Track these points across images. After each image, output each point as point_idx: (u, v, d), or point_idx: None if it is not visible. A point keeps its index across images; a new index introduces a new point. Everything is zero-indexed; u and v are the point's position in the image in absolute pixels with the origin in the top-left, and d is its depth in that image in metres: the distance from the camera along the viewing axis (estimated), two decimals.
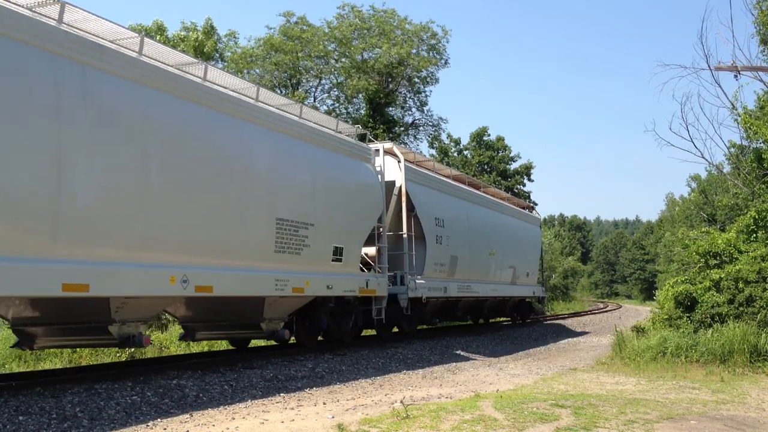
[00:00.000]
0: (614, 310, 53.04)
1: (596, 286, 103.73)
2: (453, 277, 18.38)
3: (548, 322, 30.64)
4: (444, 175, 20.01)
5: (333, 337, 14.39)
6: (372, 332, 17.97)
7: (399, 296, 15.39)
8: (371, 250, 14.91)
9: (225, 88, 10.89)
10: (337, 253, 12.95)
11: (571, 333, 25.16)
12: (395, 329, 17.98)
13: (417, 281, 16.04)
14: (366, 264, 14.84)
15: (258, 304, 11.39)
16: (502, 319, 27.31)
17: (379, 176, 15.04)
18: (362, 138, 16.18)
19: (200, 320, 11.72)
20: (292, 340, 13.74)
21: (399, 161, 16.22)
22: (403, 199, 16.01)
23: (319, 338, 14.59)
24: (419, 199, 16.59)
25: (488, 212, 22.04)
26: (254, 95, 11.46)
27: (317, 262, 12.36)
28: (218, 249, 10.10)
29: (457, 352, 16.82)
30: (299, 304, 12.47)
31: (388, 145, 16.60)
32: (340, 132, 14.22)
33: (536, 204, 46.24)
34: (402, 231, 15.93)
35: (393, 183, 16.01)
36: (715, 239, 16.22)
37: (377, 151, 15.36)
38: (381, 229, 14.88)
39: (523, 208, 27.45)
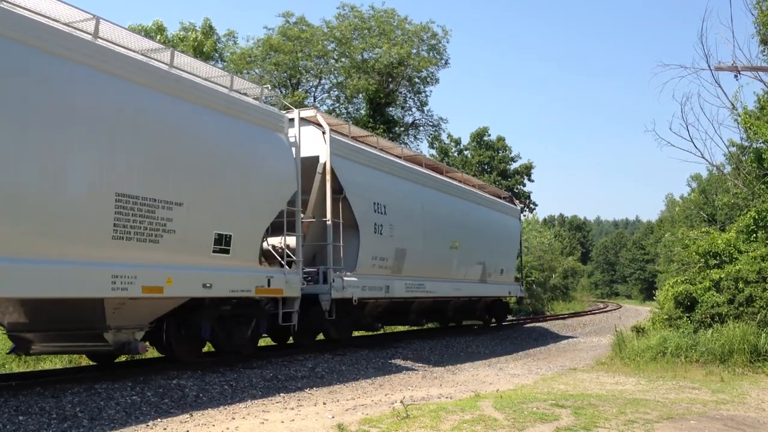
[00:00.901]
0: (614, 310, 53.05)
1: (596, 286, 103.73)
2: (400, 274, 15.40)
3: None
4: (394, 154, 16.95)
5: (224, 349, 11.66)
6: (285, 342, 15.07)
7: (320, 297, 12.79)
8: (293, 241, 12.29)
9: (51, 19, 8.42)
10: (222, 242, 10.22)
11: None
12: (322, 336, 15.30)
13: (346, 279, 13.33)
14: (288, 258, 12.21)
15: (94, 309, 8.66)
16: (470, 322, 23.80)
17: (294, 149, 12.18)
18: (286, 107, 13.59)
19: (34, 329, 9.18)
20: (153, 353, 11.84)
21: (324, 132, 13.40)
22: (328, 177, 13.29)
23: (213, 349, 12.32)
24: (350, 178, 13.80)
25: (451, 199, 18.90)
26: (92, 30, 8.82)
27: (188, 253, 9.63)
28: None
29: (457, 352, 16.81)
30: (166, 308, 9.75)
31: (310, 112, 13.83)
32: (238, 92, 11.41)
33: (536, 204, 46.39)
34: (326, 217, 13.33)
35: (316, 158, 13.31)
36: (715, 239, 16.23)
37: (292, 119, 12.54)
38: (296, 214, 12.13)
39: (501, 197, 24.43)
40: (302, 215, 12.64)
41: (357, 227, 13.92)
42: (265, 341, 16.58)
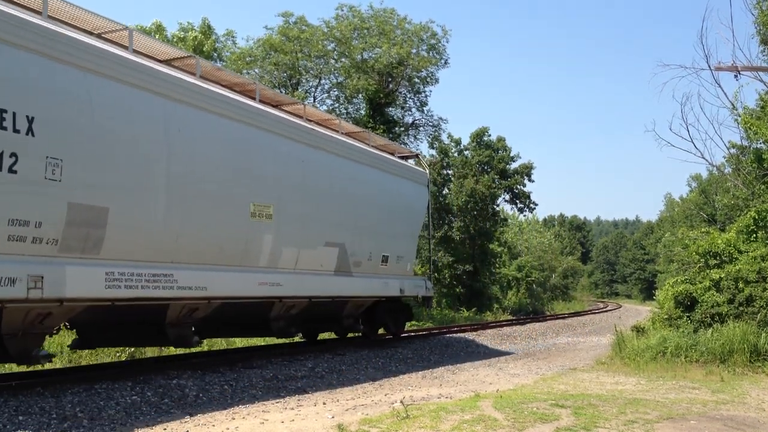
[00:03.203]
0: (614, 309, 53.12)
1: (596, 286, 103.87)
2: (88, 256, 8.34)
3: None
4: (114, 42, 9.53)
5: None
6: None
7: None
8: None
9: None
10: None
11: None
12: None
13: None
14: None
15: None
16: (327, 336, 17.05)
17: None
18: None
19: None
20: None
21: None
22: None
23: None
24: None
25: (261, 137, 11.49)
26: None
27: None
28: None
29: (457, 351, 16.81)
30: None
31: None
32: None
33: (536, 204, 46.25)
34: None
35: None
36: (715, 239, 16.23)
37: None
38: None
39: (396, 154, 17.36)
40: None
41: None
42: (264, 341, 16.59)
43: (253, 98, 12.00)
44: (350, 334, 16.59)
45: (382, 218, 15.35)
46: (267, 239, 11.49)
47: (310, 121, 13.71)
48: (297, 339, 16.04)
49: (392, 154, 17.02)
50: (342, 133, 14.53)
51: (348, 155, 14.18)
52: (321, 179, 12.98)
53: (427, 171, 18.89)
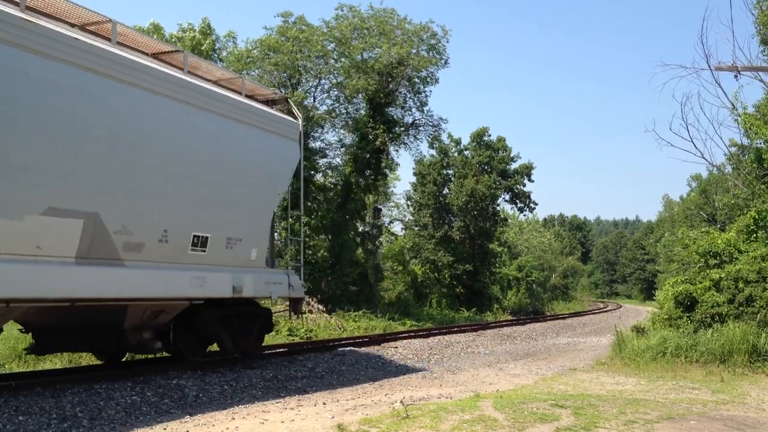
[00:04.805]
0: (614, 310, 53.12)
1: (596, 286, 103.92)
2: None
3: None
4: None
5: None
6: None
7: None
8: None
9: None
10: None
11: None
12: None
13: None
14: None
15: None
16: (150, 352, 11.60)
17: None
18: None
19: None
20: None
21: None
22: None
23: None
24: None
25: None
26: None
27: None
28: None
29: (457, 351, 16.80)
30: None
31: None
32: None
33: (536, 204, 46.25)
34: None
35: None
36: (715, 239, 16.23)
37: None
38: None
39: (242, 93, 11.97)
40: None
41: None
42: (266, 341, 16.58)
43: None
44: (165, 353, 11.62)
45: (198, 181, 10.30)
46: None
47: (74, 26, 9.21)
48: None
49: (239, 93, 11.83)
50: (149, 55, 10.30)
51: (130, 79, 9.16)
52: (52, 104, 8.09)
53: (300, 121, 13.22)
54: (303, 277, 13.46)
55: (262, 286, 11.70)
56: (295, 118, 13.31)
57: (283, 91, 26.72)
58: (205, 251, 10.53)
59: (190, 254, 10.26)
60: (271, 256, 12.94)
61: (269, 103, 13.09)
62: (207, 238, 10.53)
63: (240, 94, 11.84)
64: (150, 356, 11.93)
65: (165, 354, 11.60)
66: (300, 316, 13.80)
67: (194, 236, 10.31)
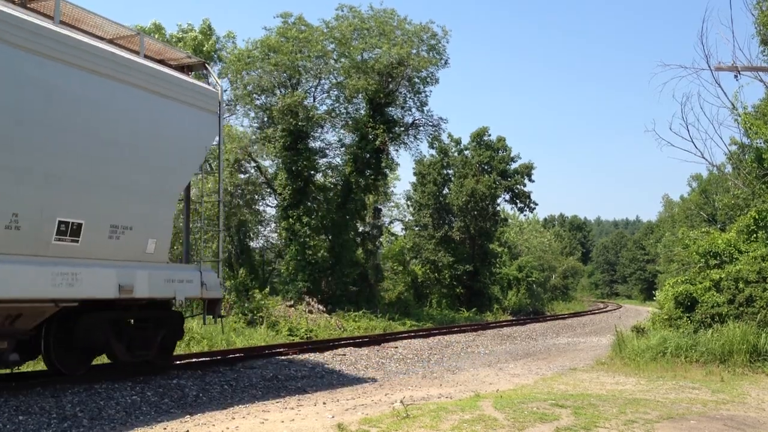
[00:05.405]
0: (614, 310, 53.12)
1: (596, 286, 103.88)
2: None
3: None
4: None
5: None
6: None
7: None
8: None
9: None
10: None
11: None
12: None
13: None
14: None
15: None
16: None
17: None
18: None
19: None
20: None
21: None
22: None
23: None
24: None
25: None
26: None
27: None
28: None
29: (457, 351, 16.80)
30: None
31: None
32: None
33: (536, 204, 46.24)
34: None
35: None
36: (715, 239, 16.22)
37: None
38: None
39: (166, 63, 11.08)
40: None
41: None
42: (265, 340, 16.60)
43: None
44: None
45: (65, 154, 8.59)
46: None
47: None
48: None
49: (139, 54, 10.03)
50: (15, 2, 8.68)
51: None
52: None
53: (220, 90, 11.48)
54: (221, 273, 11.54)
55: (161, 285, 9.80)
56: (215, 87, 11.52)
57: (283, 92, 26.78)
58: (77, 241, 8.70)
59: (55, 245, 8.41)
60: (185, 250, 11.40)
61: (184, 69, 11.41)
62: (80, 225, 8.70)
63: (138, 54, 9.96)
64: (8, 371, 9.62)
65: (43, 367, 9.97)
66: (219, 320, 11.08)
67: (60, 222, 8.46)
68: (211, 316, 11.07)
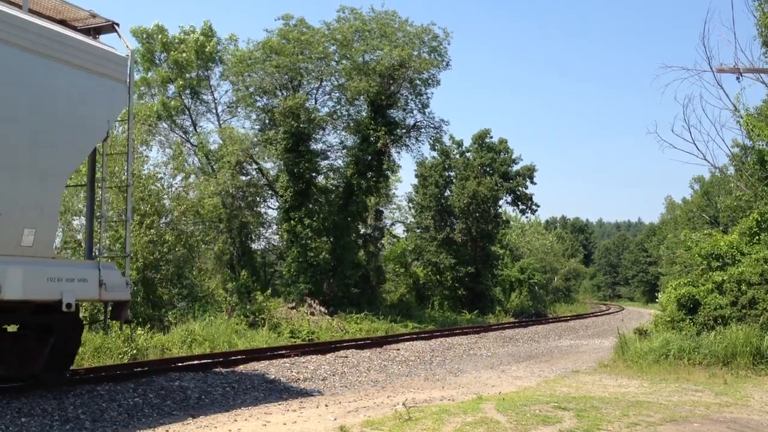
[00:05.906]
0: (617, 312, 53.03)
1: (599, 288, 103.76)
2: None
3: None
4: None
5: None
6: None
7: None
8: None
9: None
10: None
11: (558, 340, 23.70)
12: None
13: None
14: None
15: None
16: None
17: None
18: None
19: None
20: None
21: None
22: None
23: None
24: None
25: None
26: None
27: None
28: None
29: (459, 354, 16.78)
30: None
31: None
32: None
33: (538, 206, 46.21)
34: None
35: None
36: (718, 241, 16.20)
37: None
38: None
39: (67, 23, 9.66)
40: None
41: None
42: (266, 342, 16.58)
43: None
44: None
45: None
46: None
47: None
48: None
49: (21, 9, 8.46)
50: None
51: None
52: None
53: (131, 55, 9.78)
54: (127, 271, 9.68)
55: (42, 285, 8.03)
56: (125, 51, 9.77)
57: (285, 94, 26.81)
58: None
59: None
60: (88, 245, 9.61)
61: (91, 32, 9.77)
62: None
63: (20, 8, 8.40)
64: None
65: None
66: (126, 325, 9.44)
67: None
68: (117, 321, 9.22)
